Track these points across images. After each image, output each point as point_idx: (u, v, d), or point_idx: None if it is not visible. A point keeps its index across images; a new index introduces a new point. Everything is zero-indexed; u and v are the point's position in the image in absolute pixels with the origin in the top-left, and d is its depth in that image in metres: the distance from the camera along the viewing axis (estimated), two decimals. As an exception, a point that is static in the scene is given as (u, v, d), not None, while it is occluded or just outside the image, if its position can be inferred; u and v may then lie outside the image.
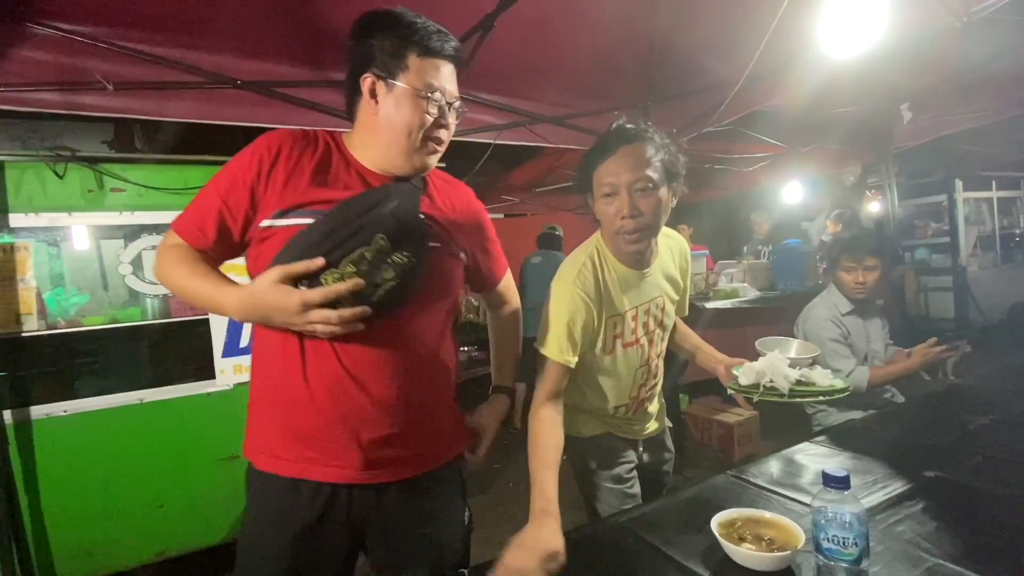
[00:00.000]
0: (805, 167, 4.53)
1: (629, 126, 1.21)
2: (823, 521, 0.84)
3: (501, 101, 2.62)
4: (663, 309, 1.37)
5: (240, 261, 1.05)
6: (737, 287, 3.69)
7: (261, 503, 1.02)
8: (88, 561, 2.08)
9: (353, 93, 1.02)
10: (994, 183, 6.46)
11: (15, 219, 1.99)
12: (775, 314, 3.84)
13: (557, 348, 1.22)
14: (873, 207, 5.68)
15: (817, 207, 5.78)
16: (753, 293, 3.72)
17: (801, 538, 0.92)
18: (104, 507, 2.09)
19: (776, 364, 1.23)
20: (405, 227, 0.98)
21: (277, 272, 0.89)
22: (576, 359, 1.24)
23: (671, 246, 1.40)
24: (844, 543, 0.81)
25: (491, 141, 2.70)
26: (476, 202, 1.22)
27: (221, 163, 2.42)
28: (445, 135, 1.04)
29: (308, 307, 0.88)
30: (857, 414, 1.98)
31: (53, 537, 2.03)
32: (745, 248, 5.25)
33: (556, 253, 4.51)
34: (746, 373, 1.25)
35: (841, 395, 1.25)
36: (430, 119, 0.99)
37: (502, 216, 6.57)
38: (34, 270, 2.04)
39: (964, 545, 0.95)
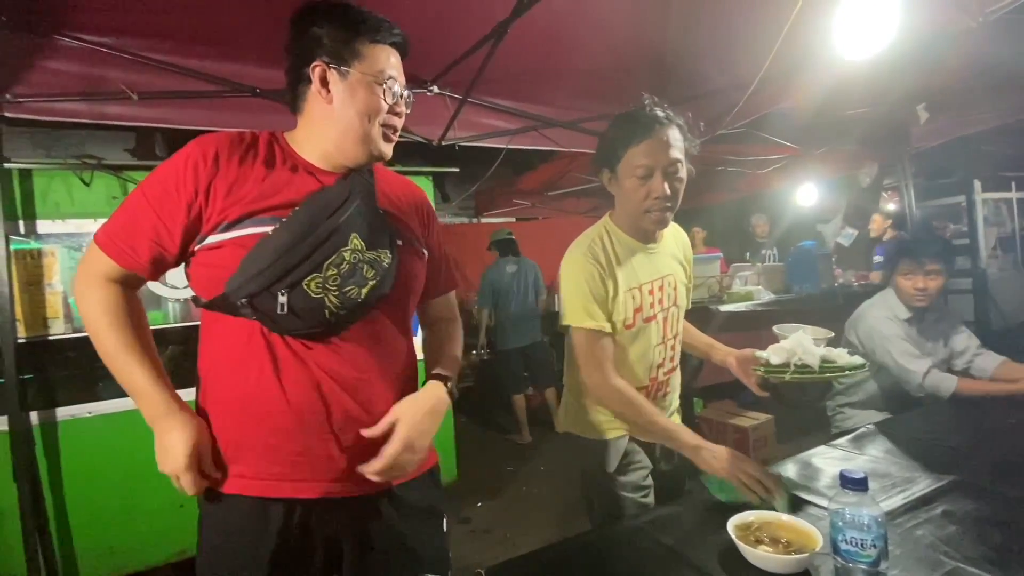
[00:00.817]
0: (820, 168, 4.49)
1: (660, 111, 1.25)
2: (841, 523, 0.84)
3: (513, 106, 2.64)
4: (676, 289, 1.40)
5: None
6: (751, 290, 3.67)
7: (224, 528, 0.95)
8: (111, 559, 2.12)
9: (298, 83, 0.98)
10: (1013, 184, 6.34)
11: (42, 225, 2.05)
12: (789, 317, 3.80)
13: (587, 315, 1.25)
14: (889, 208, 5.62)
15: (832, 209, 5.73)
16: (767, 296, 3.70)
17: (818, 541, 0.92)
18: (126, 507, 2.13)
19: (804, 342, 1.24)
20: (373, 224, 0.98)
21: (194, 437, 0.92)
22: (609, 324, 1.27)
23: (674, 233, 1.47)
24: (862, 545, 0.81)
25: (503, 146, 2.72)
26: (426, 201, 1.18)
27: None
28: (399, 123, 1.03)
29: (189, 469, 0.90)
30: (876, 416, 1.95)
31: (77, 536, 2.08)
32: (748, 254, 5.21)
33: (525, 259, 4.50)
34: (776, 352, 1.26)
35: (861, 371, 1.26)
36: (386, 106, 0.98)
37: (514, 220, 6.59)
38: (60, 275, 2.09)
39: (984, 549, 0.94)
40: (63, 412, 2.06)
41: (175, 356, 2.34)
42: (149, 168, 2.25)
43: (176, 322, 2.29)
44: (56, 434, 2.05)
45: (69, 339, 2.10)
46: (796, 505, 1.14)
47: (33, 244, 2.06)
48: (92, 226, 2.12)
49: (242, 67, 2.03)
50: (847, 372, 1.23)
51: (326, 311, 0.91)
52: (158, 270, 0.96)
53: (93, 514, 2.10)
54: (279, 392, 0.91)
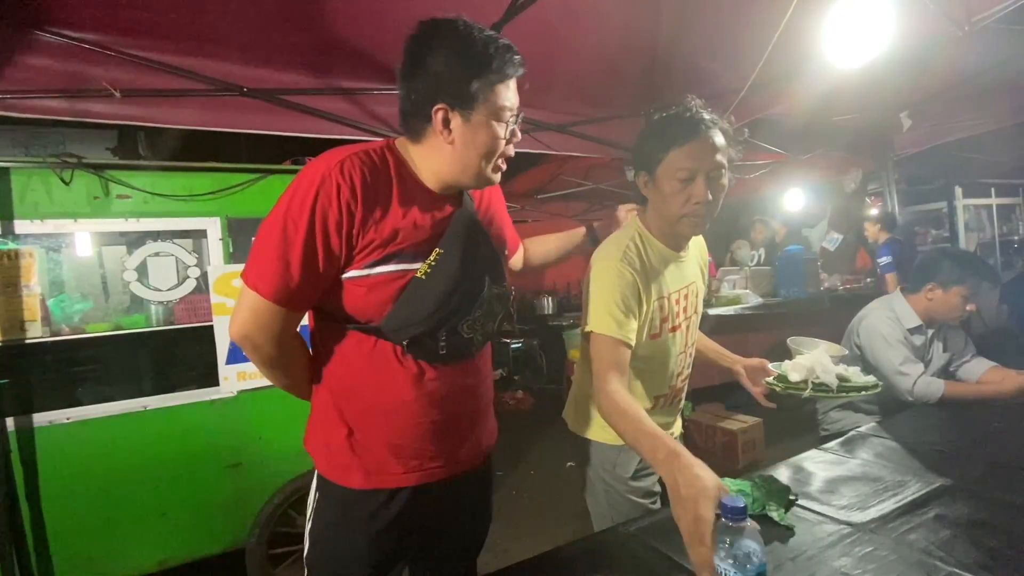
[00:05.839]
0: (806, 174, 4.56)
1: (707, 113, 1.19)
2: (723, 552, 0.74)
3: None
4: (698, 295, 1.38)
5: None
6: (740, 293, 3.70)
7: (351, 514, 1.04)
8: (89, 569, 2.06)
9: (416, 116, 0.96)
10: (993, 190, 6.49)
11: (20, 226, 1.99)
12: (777, 320, 3.85)
13: (613, 323, 1.15)
14: (874, 212, 5.71)
15: (818, 214, 5.81)
16: (755, 299, 3.73)
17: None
18: (106, 515, 2.08)
19: (823, 361, 1.24)
20: (492, 259, 1.05)
21: None
22: (634, 336, 1.17)
23: (695, 238, 1.41)
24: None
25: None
26: (499, 192, 1.23)
27: (228, 170, 2.40)
28: (512, 151, 1.03)
29: None
30: (865, 420, 1.97)
31: (54, 545, 2.01)
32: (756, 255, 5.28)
33: None
34: (796, 369, 1.26)
35: (874, 391, 1.28)
36: (504, 142, 0.98)
37: (503, 222, 6.58)
38: (38, 276, 2.03)
39: (978, 554, 0.94)
40: (40, 418, 1.99)
41: (159, 361, 2.29)
42: (133, 167, 2.22)
43: (159, 325, 2.24)
44: (33, 440, 1.98)
45: (47, 342, 2.04)
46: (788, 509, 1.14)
47: (11, 245, 2.00)
48: (72, 226, 2.07)
49: (230, 66, 1.99)
50: (862, 392, 1.24)
51: (472, 348, 1.04)
52: (314, 301, 1.01)
53: (71, 523, 2.03)
54: (421, 402, 1.01)
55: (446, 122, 0.94)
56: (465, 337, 1.01)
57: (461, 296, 0.98)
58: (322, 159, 0.94)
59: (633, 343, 1.18)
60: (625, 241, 1.26)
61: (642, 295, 1.22)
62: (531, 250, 1.46)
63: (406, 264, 0.95)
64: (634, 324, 1.19)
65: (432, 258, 0.96)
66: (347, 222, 0.90)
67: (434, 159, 0.99)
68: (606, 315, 1.17)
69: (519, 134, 1.02)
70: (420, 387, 1.01)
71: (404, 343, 0.97)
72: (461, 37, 0.92)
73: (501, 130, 0.96)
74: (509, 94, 0.96)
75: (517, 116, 0.99)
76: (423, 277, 0.95)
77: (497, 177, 1.04)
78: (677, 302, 1.31)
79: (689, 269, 1.35)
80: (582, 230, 1.48)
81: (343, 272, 0.94)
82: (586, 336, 1.22)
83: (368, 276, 0.94)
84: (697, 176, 1.16)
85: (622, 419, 1.04)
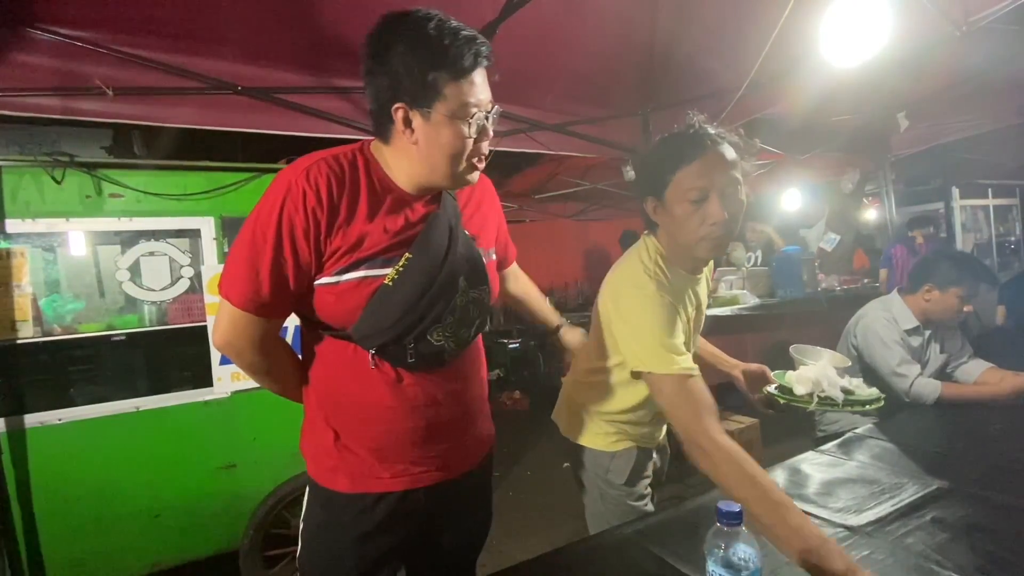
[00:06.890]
0: (803, 174, 4.55)
1: (712, 128, 1.13)
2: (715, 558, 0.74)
3: (501, 108, 2.62)
4: (702, 310, 1.34)
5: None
6: (737, 294, 3.69)
7: (339, 518, 1.03)
8: (81, 572, 2.05)
9: (380, 117, 0.93)
10: (990, 191, 6.51)
11: (11, 225, 1.97)
12: (774, 321, 3.84)
13: (674, 359, 1.05)
14: (870, 214, 5.72)
15: (815, 214, 5.80)
16: (753, 300, 3.73)
17: None
18: (98, 517, 2.06)
19: (829, 373, 1.21)
20: (471, 260, 1.01)
21: None
22: (692, 362, 1.07)
23: None
24: None
25: (491, 148, 2.70)
26: (493, 191, 1.19)
27: (221, 169, 2.38)
28: (487, 147, 0.98)
29: None
30: (861, 421, 1.96)
31: (46, 547, 2.00)
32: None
33: None
34: (801, 382, 1.23)
35: (879, 405, 1.27)
36: (471, 142, 0.93)
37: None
38: (30, 276, 2.02)
39: (976, 557, 0.94)
40: (32, 419, 1.98)
41: (152, 361, 2.27)
42: (125, 166, 2.20)
43: (152, 325, 2.22)
44: (24, 441, 1.97)
45: (39, 343, 2.02)
46: None
47: (1, 244, 1.98)
48: (64, 225, 2.06)
49: (224, 64, 1.97)
50: (867, 407, 1.22)
51: (444, 354, 0.99)
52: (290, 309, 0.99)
53: (63, 525, 2.02)
54: (401, 408, 0.99)
55: (407, 122, 0.90)
56: (435, 345, 0.97)
57: (430, 302, 0.94)
58: (290, 167, 0.92)
59: (697, 371, 1.06)
60: (651, 266, 1.16)
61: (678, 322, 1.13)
62: (513, 281, 1.39)
63: (376, 270, 0.92)
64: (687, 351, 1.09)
65: (401, 263, 0.93)
66: (314, 229, 0.89)
67: (403, 160, 0.95)
68: (661, 351, 1.05)
69: (490, 131, 0.96)
70: (399, 393, 0.98)
71: (373, 351, 0.95)
72: (416, 29, 0.87)
73: (466, 128, 0.90)
74: (473, 89, 0.90)
75: (488, 112, 0.93)
76: (390, 284, 0.92)
77: (474, 177, 0.99)
78: (690, 323, 1.26)
79: (700, 287, 1.30)
80: (556, 322, 1.46)
81: (315, 279, 0.92)
82: (639, 375, 1.11)
83: (337, 283, 0.92)
84: (710, 194, 1.07)
85: (763, 492, 0.89)
